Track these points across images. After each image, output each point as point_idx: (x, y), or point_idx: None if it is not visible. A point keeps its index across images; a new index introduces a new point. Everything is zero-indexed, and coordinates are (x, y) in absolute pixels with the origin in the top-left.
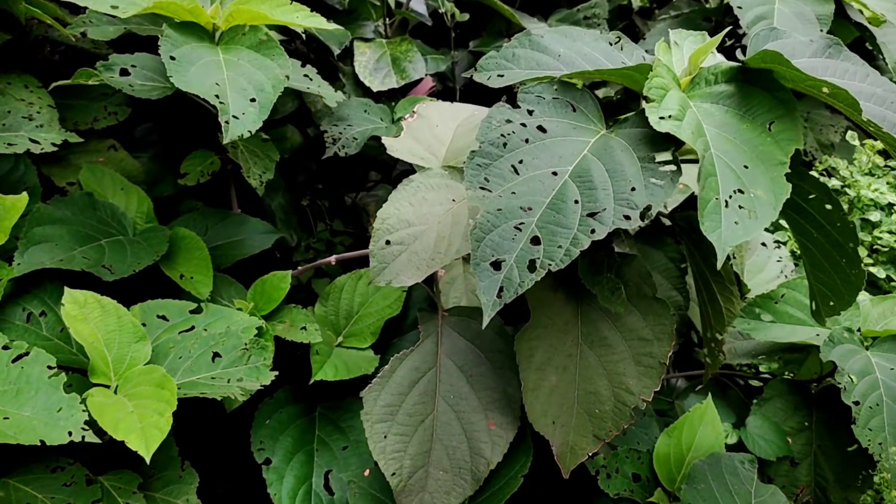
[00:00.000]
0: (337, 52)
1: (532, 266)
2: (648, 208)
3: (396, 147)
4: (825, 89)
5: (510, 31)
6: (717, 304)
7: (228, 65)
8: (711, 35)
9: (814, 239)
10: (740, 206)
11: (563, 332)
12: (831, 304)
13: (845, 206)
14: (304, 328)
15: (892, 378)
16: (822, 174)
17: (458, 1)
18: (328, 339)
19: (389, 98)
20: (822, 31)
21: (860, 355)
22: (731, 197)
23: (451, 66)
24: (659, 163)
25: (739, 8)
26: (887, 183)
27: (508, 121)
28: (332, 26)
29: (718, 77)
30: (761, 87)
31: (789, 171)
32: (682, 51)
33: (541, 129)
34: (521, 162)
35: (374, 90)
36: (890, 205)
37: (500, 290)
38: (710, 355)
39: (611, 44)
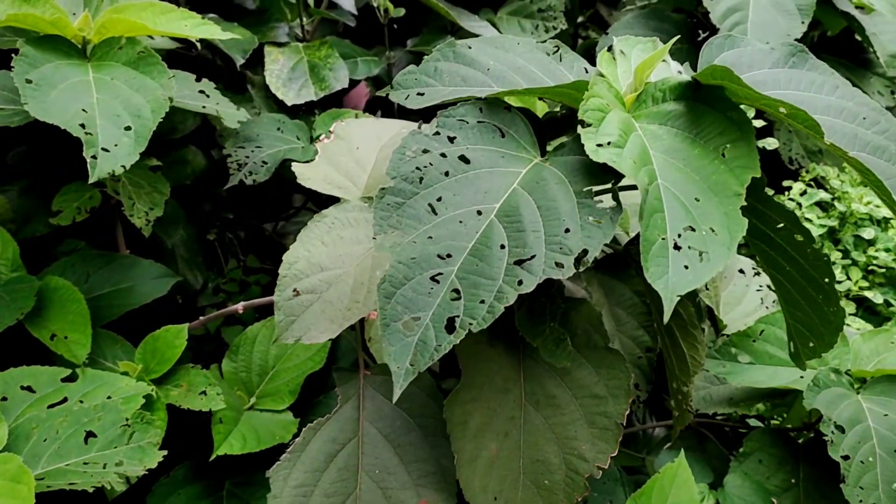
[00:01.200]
0: (240, 61)
1: (451, 326)
2: (584, 253)
3: (308, 175)
4: (782, 109)
5: (456, 28)
6: (680, 351)
7: (100, 86)
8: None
9: (786, 272)
10: (691, 247)
11: (504, 391)
12: (811, 345)
13: (835, 222)
14: (204, 392)
15: (886, 426)
16: (809, 185)
17: None
18: (237, 402)
19: (310, 111)
20: (802, 22)
21: (849, 400)
22: (680, 236)
23: (386, 69)
24: (598, 197)
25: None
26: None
27: (426, 150)
28: (228, 35)
29: (667, 94)
30: (713, 107)
31: (745, 203)
32: (629, 62)
33: (463, 159)
34: (439, 199)
35: (289, 104)
36: (886, 219)
37: (415, 354)
38: (677, 408)
39: (548, 54)
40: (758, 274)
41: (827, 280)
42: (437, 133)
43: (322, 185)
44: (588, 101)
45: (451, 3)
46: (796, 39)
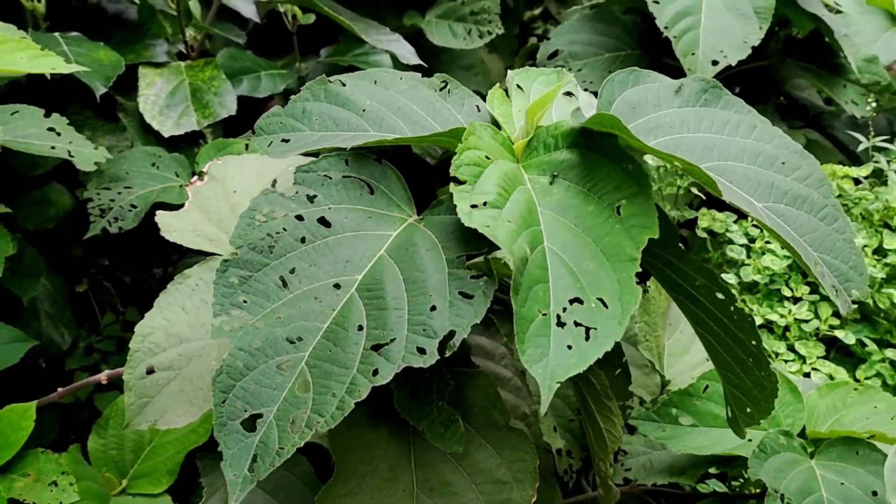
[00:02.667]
0: (101, 90)
1: (296, 424)
2: (451, 335)
3: (175, 226)
4: (677, 163)
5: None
6: (596, 424)
7: None
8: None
9: (713, 332)
10: (577, 323)
11: (391, 479)
12: (748, 410)
13: None
14: (55, 483)
15: (842, 497)
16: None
17: None
18: (104, 487)
19: (193, 142)
20: (760, 27)
21: (801, 468)
22: (565, 310)
23: (297, 82)
24: (473, 267)
25: (655, 3)
26: (861, 215)
27: (280, 213)
28: (75, 68)
29: (559, 140)
30: (608, 157)
31: (640, 269)
32: (527, 99)
33: (323, 222)
34: (293, 272)
35: (166, 135)
36: (862, 247)
37: (255, 458)
38: (601, 485)
39: (436, 91)
40: None
41: (754, 343)
42: (296, 191)
43: (190, 237)
44: (462, 154)
45: (370, 6)
46: (753, 47)
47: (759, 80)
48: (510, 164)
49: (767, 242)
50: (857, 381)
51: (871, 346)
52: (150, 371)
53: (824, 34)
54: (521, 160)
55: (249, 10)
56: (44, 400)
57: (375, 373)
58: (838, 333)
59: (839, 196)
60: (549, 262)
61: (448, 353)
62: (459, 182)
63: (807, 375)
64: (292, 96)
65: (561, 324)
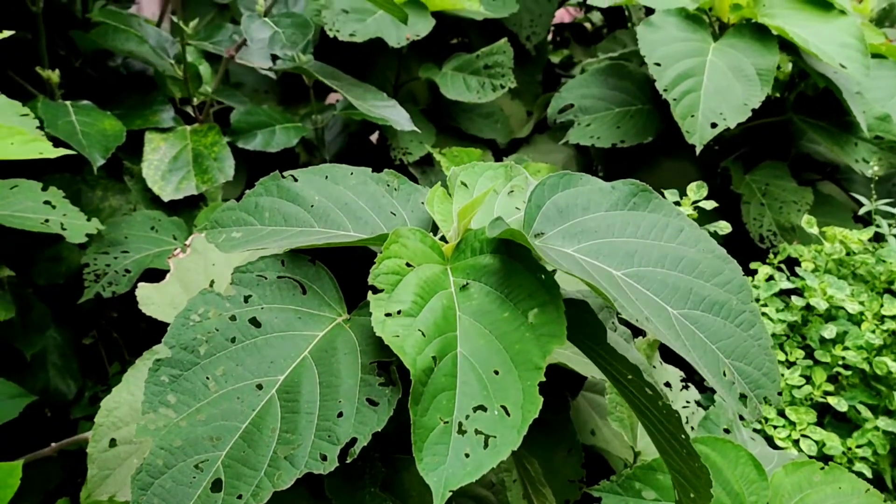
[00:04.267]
0: (99, 162)
1: None
2: (352, 443)
3: (154, 299)
4: (585, 280)
5: (399, 82)
6: None
7: None
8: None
9: (650, 420)
10: (478, 431)
11: None
12: (692, 496)
13: (799, 316)
14: None
15: None
16: (778, 268)
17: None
18: None
19: (193, 204)
20: (762, 89)
21: None
22: (468, 417)
23: (317, 132)
24: (383, 373)
25: (657, 65)
26: (854, 275)
27: (215, 313)
28: (61, 152)
29: (484, 246)
30: (524, 264)
31: (544, 378)
32: (470, 196)
33: (254, 322)
34: (220, 371)
35: (165, 199)
36: (861, 312)
37: None
38: None
39: (387, 185)
40: (686, 388)
41: (683, 436)
42: (233, 291)
43: (168, 311)
44: (381, 263)
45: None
46: (753, 109)
47: (772, 135)
48: (435, 268)
49: (764, 305)
50: (848, 450)
51: (866, 413)
52: (113, 444)
53: (835, 92)
54: (450, 262)
55: (261, 57)
56: (36, 454)
57: (279, 477)
58: (831, 400)
59: (847, 254)
60: (459, 368)
61: (349, 460)
62: (377, 290)
63: (796, 442)
64: (248, 190)
65: (462, 431)
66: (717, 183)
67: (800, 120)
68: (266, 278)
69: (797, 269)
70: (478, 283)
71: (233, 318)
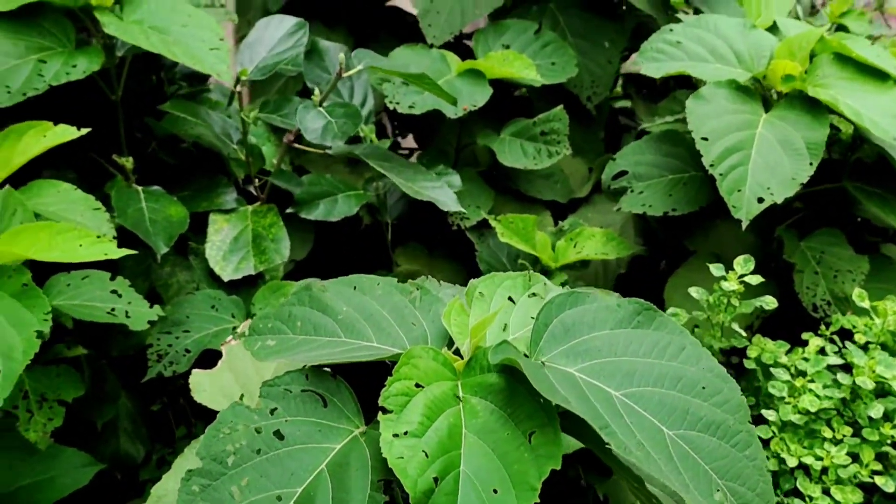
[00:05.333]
0: (163, 250)
1: None
2: None
3: (206, 387)
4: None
5: (461, 144)
6: None
7: None
8: None
9: None
10: None
11: None
12: None
13: (847, 392)
14: None
15: None
16: (831, 339)
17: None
18: None
19: (252, 282)
20: (810, 163)
21: None
22: None
23: (379, 197)
24: (388, 492)
25: (704, 140)
26: None
27: (244, 427)
28: (124, 252)
29: (491, 364)
30: (525, 386)
31: (538, 500)
32: (488, 307)
33: (278, 434)
34: (246, 482)
35: (225, 279)
36: None
37: None
38: None
39: (408, 295)
40: None
41: None
42: (261, 404)
43: (218, 399)
44: (391, 385)
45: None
46: (802, 184)
47: (829, 200)
48: (444, 386)
49: (811, 381)
50: None
51: None
52: None
53: (891, 162)
54: (461, 377)
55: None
56: None
57: None
58: (879, 480)
59: None
60: (461, 486)
61: None
62: (387, 411)
63: None
64: (283, 300)
65: None
66: (773, 248)
67: (854, 188)
68: (291, 391)
69: (847, 344)
70: (484, 401)
71: (259, 430)
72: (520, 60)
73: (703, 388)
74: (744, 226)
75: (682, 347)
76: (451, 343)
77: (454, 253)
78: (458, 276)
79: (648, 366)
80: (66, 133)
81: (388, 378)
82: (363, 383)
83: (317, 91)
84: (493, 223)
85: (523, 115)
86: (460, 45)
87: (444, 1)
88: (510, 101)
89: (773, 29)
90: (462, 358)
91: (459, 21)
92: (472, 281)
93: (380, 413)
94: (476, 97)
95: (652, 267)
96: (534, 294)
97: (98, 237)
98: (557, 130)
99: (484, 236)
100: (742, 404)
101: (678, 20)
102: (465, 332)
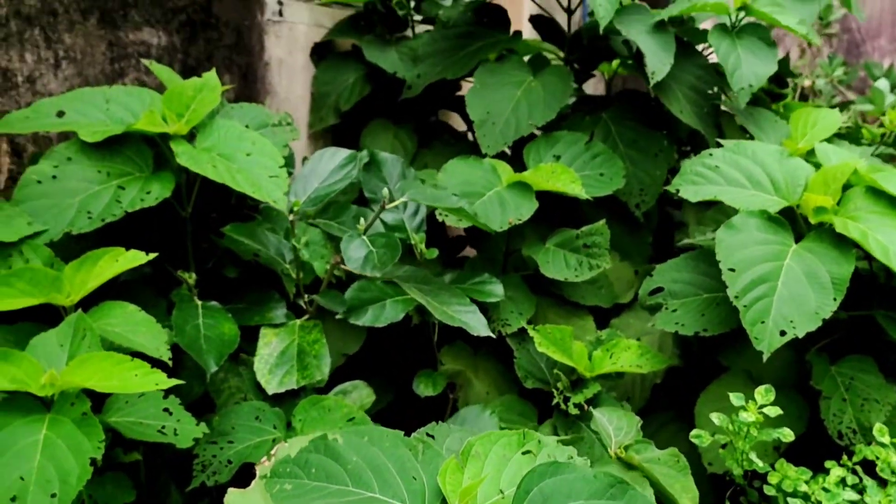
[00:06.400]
0: (213, 369)
1: None
2: None
3: None
4: None
5: (510, 249)
6: None
7: (46, 447)
8: None
9: None
10: None
11: None
12: None
13: None
14: None
15: None
16: (853, 470)
17: None
18: None
19: (295, 394)
20: (834, 299)
21: None
22: None
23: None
24: None
25: (731, 271)
26: None
27: None
28: (173, 382)
29: None
30: None
31: None
32: (481, 468)
33: None
34: None
35: (270, 393)
36: None
37: None
38: None
39: (412, 449)
40: None
41: None
42: None
43: None
44: None
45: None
46: (824, 319)
47: (860, 325)
48: None
49: None
50: None
51: None
52: None
53: None
54: None
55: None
56: None
57: None
58: None
59: None
60: None
61: None
62: None
63: None
64: (302, 446)
65: None
66: (806, 366)
67: (883, 316)
68: None
69: (865, 479)
70: None
71: None
72: (567, 174)
73: None
74: (764, 358)
75: None
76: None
77: (498, 353)
78: (501, 377)
79: None
80: (136, 258)
81: None
82: None
83: (362, 221)
84: (531, 333)
85: (572, 219)
86: (514, 152)
87: (500, 112)
88: (559, 205)
89: (813, 153)
90: None
91: (513, 133)
92: (469, 440)
93: None
94: (522, 211)
95: (688, 378)
96: (528, 451)
97: (152, 368)
98: (599, 244)
99: (524, 343)
100: None
101: (723, 135)
102: (457, 492)
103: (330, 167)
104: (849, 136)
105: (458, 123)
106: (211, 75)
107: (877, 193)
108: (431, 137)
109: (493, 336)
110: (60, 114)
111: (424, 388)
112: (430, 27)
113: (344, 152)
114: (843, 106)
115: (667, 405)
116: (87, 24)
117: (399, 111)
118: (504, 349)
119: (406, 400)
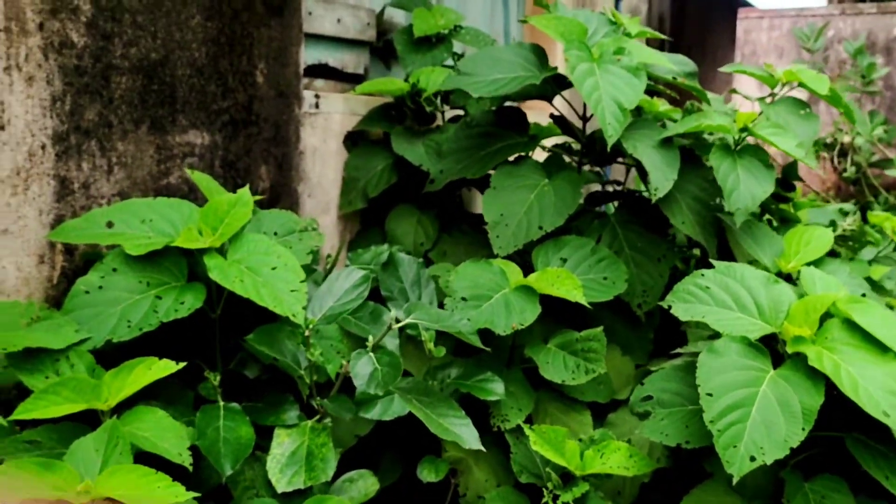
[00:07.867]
0: (228, 472)
1: None
2: None
3: None
4: None
5: (516, 343)
6: None
7: None
8: None
9: None
10: None
11: None
12: None
13: None
14: None
15: None
16: None
17: None
18: None
19: (305, 494)
20: (803, 429)
21: None
22: None
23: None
24: None
25: (709, 395)
26: None
27: None
28: (191, 495)
29: None
30: None
31: None
32: None
33: None
34: None
35: (279, 492)
36: None
37: None
38: None
39: None
40: None
41: None
42: None
43: None
44: None
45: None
46: (792, 448)
47: (834, 448)
48: None
49: None
50: None
51: None
52: None
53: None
54: None
55: (392, 344)
56: None
57: None
58: None
59: None
60: None
61: None
62: None
63: None
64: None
65: None
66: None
67: (853, 441)
68: None
69: None
70: None
71: None
72: (570, 281)
73: None
74: (734, 482)
75: None
76: None
77: (498, 443)
78: (500, 466)
79: None
80: (167, 367)
81: None
82: None
83: (370, 338)
84: (527, 432)
85: (578, 313)
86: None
87: (513, 214)
88: (563, 312)
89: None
90: None
91: (524, 235)
92: None
93: None
94: (526, 315)
95: (676, 478)
96: None
97: (173, 481)
98: (596, 350)
99: (521, 438)
100: None
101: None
102: None
103: (345, 286)
104: (852, 237)
105: (479, 199)
106: (244, 192)
107: (853, 325)
108: (452, 224)
109: (484, 450)
110: (109, 224)
111: (427, 475)
112: (459, 112)
113: (358, 274)
114: (885, 163)
115: (656, 502)
116: (139, 132)
117: (423, 196)
118: (504, 439)
119: (412, 477)
